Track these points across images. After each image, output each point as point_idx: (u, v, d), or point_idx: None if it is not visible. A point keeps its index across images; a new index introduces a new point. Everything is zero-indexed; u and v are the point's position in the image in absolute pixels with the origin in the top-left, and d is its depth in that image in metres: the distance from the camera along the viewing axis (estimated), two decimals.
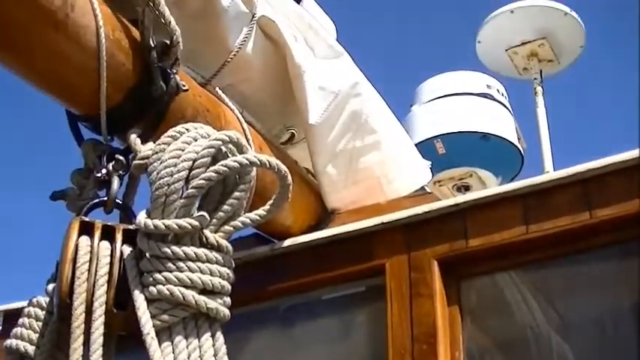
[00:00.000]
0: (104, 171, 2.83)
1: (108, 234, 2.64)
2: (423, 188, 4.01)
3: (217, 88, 3.41)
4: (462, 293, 3.31)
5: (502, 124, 8.20)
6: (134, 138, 2.81)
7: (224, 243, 2.61)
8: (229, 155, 2.61)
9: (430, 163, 4.20)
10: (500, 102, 8.57)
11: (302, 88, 3.62)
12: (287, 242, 3.59)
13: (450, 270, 3.31)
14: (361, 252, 3.45)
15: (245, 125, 3.39)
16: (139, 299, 2.49)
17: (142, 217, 2.56)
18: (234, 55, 3.41)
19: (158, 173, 2.57)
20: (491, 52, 9.57)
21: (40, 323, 2.81)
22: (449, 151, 7.92)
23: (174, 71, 2.95)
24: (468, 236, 3.27)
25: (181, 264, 2.51)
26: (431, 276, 3.27)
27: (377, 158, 3.84)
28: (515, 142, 8.20)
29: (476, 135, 8.03)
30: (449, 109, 8.27)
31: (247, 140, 3.30)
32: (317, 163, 3.74)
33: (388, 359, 3.19)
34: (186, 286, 2.49)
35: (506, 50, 9.50)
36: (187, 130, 2.65)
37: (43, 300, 2.84)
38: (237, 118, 3.38)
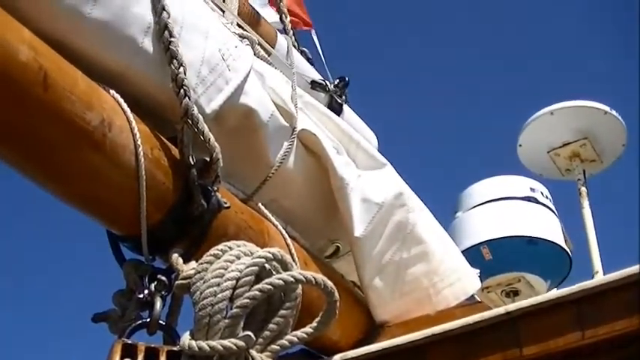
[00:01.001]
0: (146, 292, 2.78)
1: (151, 356, 2.57)
2: (472, 297, 3.91)
3: (260, 204, 3.36)
4: None
5: (548, 227, 8.10)
6: (176, 258, 2.77)
7: None
8: (274, 273, 2.55)
9: (478, 270, 4.10)
10: (544, 204, 8.49)
11: (345, 200, 3.57)
12: (336, 358, 3.50)
13: None
14: None
15: (289, 240, 3.33)
16: None
17: (185, 339, 2.50)
18: (276, 170, 3.37)
19: (201, 293, 2.51)
20: (532, 154, 9.53)
21: None
22: (496, 256, 7.83)
23: (215, 188, 2.91)
24: (522, 345, 3.16)
25: None
26: None
27: (424, 269, 3.75)
28: (563, 244, 8.09)
29: (522, 239, 7.94)
30: (494, 214, 8.20)
31: (292, 256, 3.24)
32: (364, 277, 3.67)
33: None
34: None
35: (548, 152, 9.45)
36: (230, 248, 2.60)
37: None
38: (281, 233, 3.32)
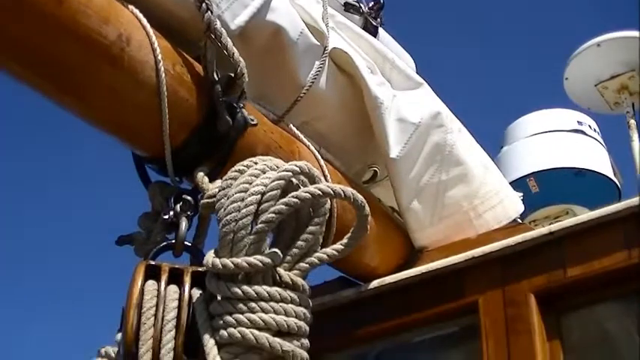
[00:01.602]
0: (172, 213, 2.68)
1: (176, 277, 2.48)
2: (515, 222, 3.77)
3: (291, 126, 3.24)
4: (563, 327, 3.08)
5: (597, 159, 7.91)
6: (201, 177, 2.66)
7: (299, 281, 2.42)
8: (301, 187, 2.43)
9: (522, 194, 3.96)
10: (592, 137, 8.29)
11: (380, 121, 3.44)
12: (374, 284, 3.41)
13: (548, 303, 3.09)
14: (452, 290, 3.25)
15: (322, 162, 3.22)
16: (209, 344, 2.32)
17: (209, 257, 2.40)
18: (307, 90, 3.23)
19: (225, 210, 2.40)
20: (580, 88, 9.28)
21: None
22: (543, 189, 7.66)
23: (241, 105, 2.79)
24: (566, 266, 3.05)
25: (253, 304, 2.32)
26: (528, 311, 3.05)
27: (464, 191, 3.62)
28: (611, 176, 7.89)
29: (570, 171, 7.75)
30: (541, 146, 8.01)
31: (325, 177, 3.13)
32: (401, 200, 3.54)
33: None
34: (259, 328, 2.31)
35: (596, 85, 9.20)
36: (255, 162, 2.49)
37: (112, 350, 2.69)
38: (314, 154, 3.20)
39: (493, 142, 8.49)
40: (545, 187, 7.67)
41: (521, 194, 3.99)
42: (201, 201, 2.61)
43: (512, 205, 3.79)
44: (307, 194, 2.37)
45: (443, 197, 3.58)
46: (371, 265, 3.45)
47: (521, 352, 2.99)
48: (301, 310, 2.38)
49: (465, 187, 3.62)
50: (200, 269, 2.49)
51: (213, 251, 2.42)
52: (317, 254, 2.49)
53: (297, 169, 2.44)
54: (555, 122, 8.37)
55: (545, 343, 3.03)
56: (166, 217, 2.68)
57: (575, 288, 3.05)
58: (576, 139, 8.12)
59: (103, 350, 2.75)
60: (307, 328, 2.41)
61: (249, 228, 2.36)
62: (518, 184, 7.39)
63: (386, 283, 3.37)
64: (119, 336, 2.60)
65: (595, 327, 3.13)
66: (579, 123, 8.41)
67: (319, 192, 2.39)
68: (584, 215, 3.12)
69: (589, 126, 8.43)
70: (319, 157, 3.22)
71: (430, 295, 3.28)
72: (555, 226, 3.12)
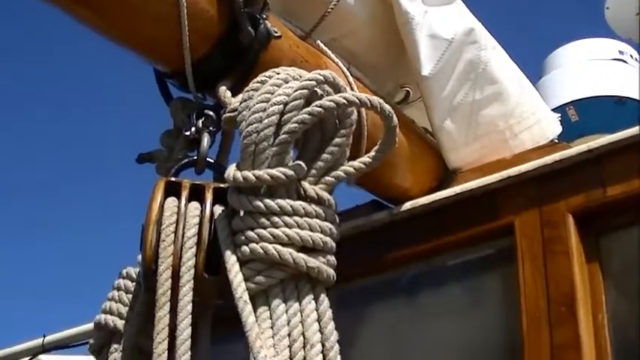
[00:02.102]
0: (193, 129, 2.58)
1: (197, 194, 2.39)
2: (552, 142, 3.63)
3: (318, 42, 3.12)
4: (602, 249, 2.95)
5: (637, 88, 7.70)
6: (223, 90, 2.56)
7: (325, 195, 2.32)
8: (325, 97, 2.32)
9: (559, 115, 3.82)
10: (634, 67, 8.09)
11: (411, 37, 3.30)
12: (407, 205, 3.29)
13: (587, 223, 2.95)
14: (487, 211, 3.12)
15: (351, 79, 3.09)
16: (231, 260, 2.23)
17: (230, 170, 2.30)
18: (335, 5, 3.09)
19: (246, 121, 2.30)
20: (621, 17, 9.05)
21: (130, 295, 2.59)
22: (582, 117, 7.47)
23: (264, 16, 2.67)
24: (606, 185, 2.91)
25: (276, 219, 2.23)
26: (566, 231, 2.92)
27: (500, 110, 3.48)
28: None
29: (610, 99, 7.55)
30: (580, 75, 7.82)
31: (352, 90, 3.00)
32: (434, 119, 3.42)
33: (522, 325, 2.86)
34: (282, 244, 2.21)
35: (637, 14, 8.96)
36: (277, 73, 2.38)
37: (134, 270, 2.62)
38: (342, 70, 3.08)
39: (532, 73, 8.32)
40: (585, 116, 7.48)
41: (559, 115, 3.86)
42: (224, 115, 2.50)
43: (550, 125, 3.65)
44: (332, 103, 2.26)
45: (477, 116, 3.44)
46: (403, 186, 3.34)
47: (558, 274, 2.87)
48: (327, 225, 2.28)
49: (500, 105, 3.48)
50: (222, 186, 2.40)
51: (234, 165, 2.33)
52: (343, 167, 2.39)
53: (322, 78, 2.33)
54: (596, 51, 8.17)
55: (584, 265, 2.91)
56: (188, 133, 2.59)
57: (615, 208, 2.92)
58: (617, 68, 7.91)
59: (124, 271, 2.68)
60: (333, 245, 2.31)
61: (272, 139, 2.26)
62: (557, 112, 7.21)
63: (419, 205, 3.26)
64: (140, 257, 2.52)
65: (635, 249, 2.99)
66: (620, 52, 8.20)
67: (344, 101, 2.28)
68: (625, 132, 2.98)
69: (630, 55, 8.22)
70: (348, 74, 3.09)
71: (464, 216, 3.16)
72: (594, 144, 2.99)
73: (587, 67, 7.82)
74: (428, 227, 3.24)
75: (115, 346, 2.59)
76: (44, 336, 5.13)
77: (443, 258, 3.26)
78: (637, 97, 7.46)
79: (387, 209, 3.37)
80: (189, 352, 2.20)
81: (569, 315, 2.80)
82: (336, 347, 2.20)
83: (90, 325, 4.66)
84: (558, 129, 3.71)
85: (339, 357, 2.20)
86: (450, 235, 3.18)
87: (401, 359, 3.26)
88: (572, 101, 7.47)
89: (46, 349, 5.12)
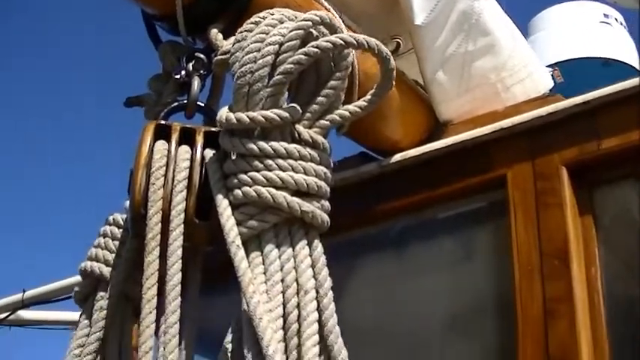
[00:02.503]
0: (183, 72, 2.52)
1: (188, 137, 2.33)
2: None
3: None
4: (596, 202, 2.90)
5: (623, 50, 7.65)
6: (215, 33, 2.50)
7: (320, 139, 2.27)
8: (321, 38, 2.26)
9: (551, 69, 3.76)
10: (618, 30, 8.04)
11: None
12: (396, 157, 3.23)
13: (580, 176, 2.90)
14: (479, 163, 3.07)
15: (343, 26, 3.02)
16: (223, 204, 2.17)
17: (223, 112, 2.24)
18: None
19: (240, 62, 2.23)
20: None
21: (117, 242, 2.53)
22: (567, 79, 7.40)
23: None
24: (601, 137, 2.86)
25: (270, 162, 2.17)
26: (559, 184, 2.87)
27: (492, 63, 3.42)
28: (638, 67, 7.65)
29: (596, 61, 7.50)
30: (565, 37, 7.76)
31: None
32: (426, 70, 3.36)
33: (514, 279, 2.81)
34: (276, 187, 2.16)
35: None
36: (271, 13, 2.32)
37: (121, 217, 2.56)
38: (335, 16, 3.00)
39: None
40: (570, 78, 7.42)
41: (551, 69, 3.80)
42: (215, 58, 2.44)
43: (542, 79, 3.60)
44: (328, 43, 2.21)
45: (469, 68, 3.38)
46: (393, 138, 3.28)
47: (551, 226, 2.83)
48: (321, 169, 2.23)
49: (492, 58, 3.42)
50: (213, 129, 2.35)
51: (227, 107, 2.27)
52: (338, 111, 2.34)
53: (318, 19, 2.27)
54: (581, 15, 8.11)
55: (577, 217, 2.86)
56: (178, 76, 2.53)
57: (610, 161, 2.87)
58: (602, 30, 7.86)
59: (111, 218, 2.62)
60: (327, 189, 2.26)
61: (266, 80, 2.20)
62: None
63: (409, 156, 3.20)
64: (127, 202, 2.47)
65: (629, 203, 2.95)
66: (605, 16, 8.14)
67: (341, 42, 2.22)
68: (621, 84, 2.93)
69: (615, 19, 8.17)
70: (340, 21, 3.02)
71: (455, 168, 3.11)
72: (590, 96, 2.94)
73: (572, 30, 7.77)
74: (418, 179, 3.19)
75: (101, 294, 2.53)
76: (24, 291, 5.07)
77: (433, 210, 3.21)
78: (622, 59, 7.41)
79: (376, 161, 3.31)
80: (180, 298, 2.15)
81: (562, 268, 2.76)
82: (330, 294, 2.16)
83: (71, 280, 4.63)
84: (550, 83, 3.65)
85: (332, 304, 2.15)
86: (440, 188, 3.13)
87: (390, 313, 3.22)
88: (556, 63, 7.40)
89: (25, 304, 5.06)
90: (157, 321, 2.21)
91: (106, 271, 2.52)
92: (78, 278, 4.13)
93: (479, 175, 3.06)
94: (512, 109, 3.30)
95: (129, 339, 2.52)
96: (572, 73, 7.32)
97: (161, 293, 2.20)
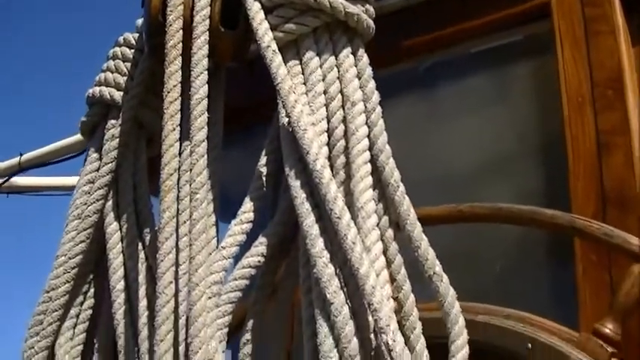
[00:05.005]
0: None
1: None
2: None
3: None
4: None
5: None
6: None
7: None
8: None
9: None
10: None
11: None
12: None
13: (633, 4, 2.62)
14: None
15: None
16: (254, 6, 1.89)
17: None
18: None
19: None
20: None
21: (129, 64, 2.26)
22: None
23: None
24: None
25: None
26: (611, 10, 2.60)
27: None
28: None
29: None
30: None
31: None
32: None
33: (563, 112, 2.56)
34: None
35: None
36: None
37: (132, 37, 2.28)
38: None
39: None
40: None
41: None
42: None
43: None
44: None
45: None
46: None
47: (603, 56, 2.56)
48: None
49: None
50: None
51: None
52: None
53: None
54: None
55: (631, 47, 2.60)
56: None
57: None
58: None
59: (121, 38, 2.36)
60: None
61: None
62: None
63: None
64: (140, 20, 2.20)
65: None
66: None
67: None
68: None
69: None
70: None
71: None
72: None
73: None
74: (449, 11, 2.90)
75: (112, 121, 2.26)
76: (20, 155, 4.81)
77: (466, 45, 2.93)
78: None
79: None
80: (206, 114, 1.88)
81: (617, 99, 2.51)
82: (379, 109, 1.90)
83: (70, 139, 4.35)
84: None
85: (382, 120, 1.89)
86: (475, 19, 2.85)
87: (420, 158, 2.97)
88: None
89: (23, 167, 4.80)
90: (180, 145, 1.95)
91: (118, 95, 2.25)
92: (78, 137, 3.88)
93: (518, 4, 2.78)
94: None
95: (144, 174, 2.26)
96: None
97: (184, 109, 1.93)
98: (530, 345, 2.08)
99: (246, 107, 2.93)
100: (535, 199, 2.71)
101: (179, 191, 1.85)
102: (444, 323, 1.79)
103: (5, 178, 4.97)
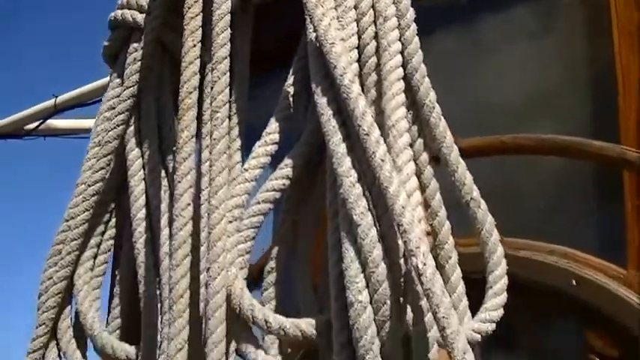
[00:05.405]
0: None
1: None
2: None
3: None
4: None
5: None
6: None
7: None
8: None
9: None
10: None
11: None
12: None
13: None
14: None
15: None
16: None
17: None
18: None
19: None
20: None
21: None
22: None
23: None
24: None
25: None
26: None
27: None
28: None
29: None
30: None
31: None
32: None
33: (613, 42, 2.41)
34: None
35: None
36: None
37: None
38: None
39: None
40: None
41: None
42: None
43: None
44: None
45: None
46: None
47: None
48: None
49: None
50: None
51: None
52: None
53: None
54: None
55: None
56: None
57: None
58: None
59: None
60: None
61: None
62: None
63: None
64: None
65: None
66: None
67: None
68: None
69: None
70: None
71: None
72: None
73: None
74: None
75: (135, 45, 2.17)
76: (55, 97, 4.75)
77: None
78: None
79: None
80: (229, 30, 1.77)
81: None
82: (414, 26, 1.78)
83: (104, 79, 4.27)
84: None
85: (417, 38, 1.77)
86: None
87: (462, 94, 2.83)
88: None
89: (58, 109, 4.75)
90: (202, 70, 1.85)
91: (140, 17, 2.16)
92: None
93: None
94: None
95: (168, 99, 2.16)
96: None
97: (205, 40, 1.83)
98: (575, 282, 1.97)
99: (275, 49, 2.83)
100: (581, 136, 2.59)
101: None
102: (481, 254, 1.68)
103: (41, 120, 4.93)
